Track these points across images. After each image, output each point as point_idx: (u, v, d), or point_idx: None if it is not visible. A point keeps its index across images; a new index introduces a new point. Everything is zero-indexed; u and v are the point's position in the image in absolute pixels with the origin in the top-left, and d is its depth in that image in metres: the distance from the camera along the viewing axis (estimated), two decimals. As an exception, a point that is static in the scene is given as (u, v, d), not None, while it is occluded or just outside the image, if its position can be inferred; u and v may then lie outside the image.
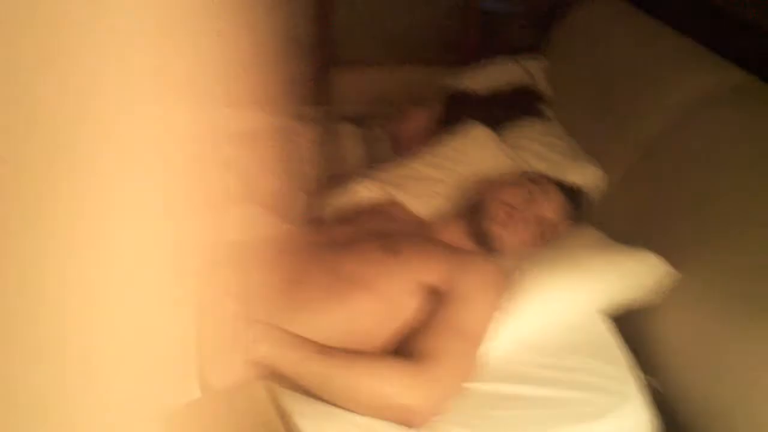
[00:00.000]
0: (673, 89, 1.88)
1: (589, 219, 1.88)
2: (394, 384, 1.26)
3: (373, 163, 2.14)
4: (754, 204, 1.46)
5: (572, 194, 1.80)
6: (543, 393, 1.36)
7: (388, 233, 1.62)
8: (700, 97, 1.79)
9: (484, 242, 1.66)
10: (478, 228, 1.67)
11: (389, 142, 2.23)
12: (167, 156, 0.57)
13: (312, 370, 1.27)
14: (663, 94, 1.89)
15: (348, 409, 1.27)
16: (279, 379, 1.27)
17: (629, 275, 1.52)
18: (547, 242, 1.70)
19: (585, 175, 1.94)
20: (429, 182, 1.94)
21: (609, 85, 2.11)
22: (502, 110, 2.25)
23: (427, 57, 2.80)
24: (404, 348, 1.35)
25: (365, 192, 1.89)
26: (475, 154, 2.02)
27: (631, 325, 1.56)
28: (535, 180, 1.76)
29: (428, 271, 1.47)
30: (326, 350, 1.29)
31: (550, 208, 1.71)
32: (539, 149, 2.07)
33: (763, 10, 1.82)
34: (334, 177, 2.10)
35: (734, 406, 1.28)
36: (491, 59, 2.51)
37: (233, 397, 1.20)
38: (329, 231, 1.69)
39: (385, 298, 1.44)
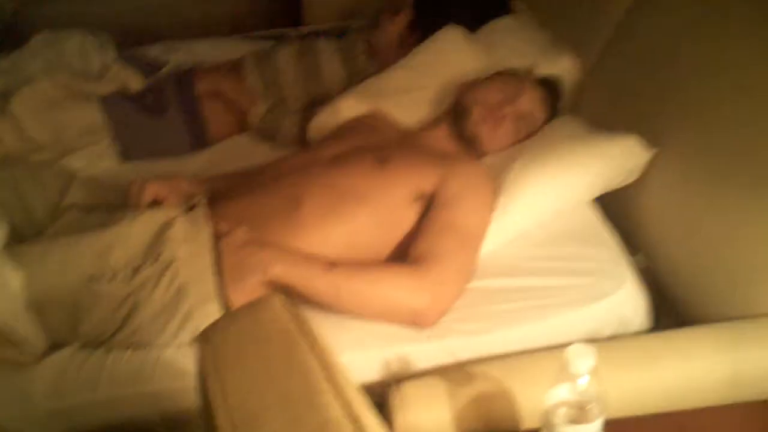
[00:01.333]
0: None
1: (569, 107, 1.94)
2: (400, 288, 1.35)
3: (354, 76, 2.18)
4: (728, 79, 1.48)
5: (550, 86, 1.85)
6: (541, 283, 1.44)
7: (377, 145, 1.68)
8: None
9: (469, 144, 1.73)
10: (463, 130, 1.73)
11: (368, 54, 2.26)
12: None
13: (322, 284, 1.36)
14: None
15: (360, 317, 1.37)
16: (292, 296, 1.37)
17: (614, 161, 1.57)
18: (530, 136, 1.77)
19: (561, 65, 1.99)
20: (411, 91, 1.99)
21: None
22: (471, 8, 2.28)
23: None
24: (407, 255, 1.44)
25: (351, 108, 1.94)
26: (453, 57, 2.06)
27: (615, 206, 1.64)
28: (512, 77, 1.81)
29: (420, 177, 1.54)
30: (333, 264, 1.38)
31: (530, 102, 1.77)
32: (514, 44, 2.11)
33: None
34: (318, 95, 2.16)
35: (715, 271, 1.36)
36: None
37: (252, 309, 1.29)
38: (320, 149, 1.75)
39: (381, 209, 1.51)
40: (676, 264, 1.47)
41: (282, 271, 1.36)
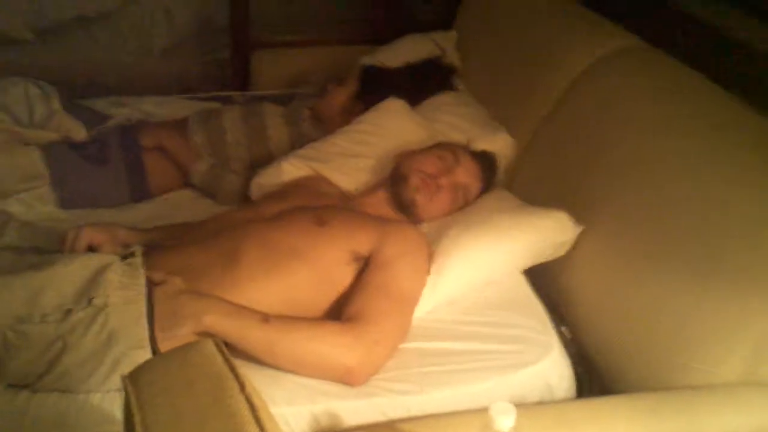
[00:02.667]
0: (570, 54, 2.01)
1: (502, 182, 2.02)
2: (333, 345, 1.37)
3: (297, 141, 2.23)
4: (650, 165, 1.57)
5: (485, 160, 1.93)
6: (471, 347, 1.48)
7: (317, 207, 1.72)
8: (595, 60, 1.93)
9: (406, 210, 1.78)
10: (400, 197, 1.79)
11: (312, 120, 2.32)
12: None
13: (256, 337, 1.37)
14: (561, 60, 2.03)
15: (292, 372, 1.38)
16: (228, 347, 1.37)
17: (544, 234, 1.64)
18: (464, 206, 1.84)
19: (496, 142, 2.08)
20: (353, 157, 2.05)
21: (514, 54, 2.24)
22: (414, 83, 2.37)
23: (343, 36, 2.90)
24: (342, 313, 1.46)
25: (292, 170, 1.98)
26: (394, 127, 2.13)
27: (545, 278, 1.70)
28: (449, 149, 1.88)
29: (357, 240, 1.58)
30: (268, 318, 1.39)
31: (465, 174, 1.84)
32: (452, 119, 2.21)
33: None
34: (261, 157, 2.19)
35: (638, 343, 1.42)
36: (403, 36, 2.62)
37: (182, 352, 1.29)
38: (261, 207, 1.78)
39: (319, 267, 1.54)
40: (602, 335, 1.53)
41: (214, 321, 1.36)
